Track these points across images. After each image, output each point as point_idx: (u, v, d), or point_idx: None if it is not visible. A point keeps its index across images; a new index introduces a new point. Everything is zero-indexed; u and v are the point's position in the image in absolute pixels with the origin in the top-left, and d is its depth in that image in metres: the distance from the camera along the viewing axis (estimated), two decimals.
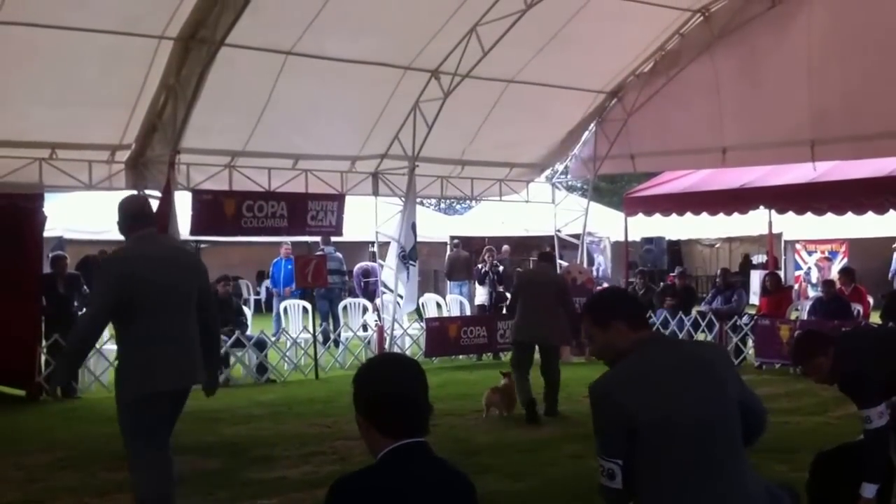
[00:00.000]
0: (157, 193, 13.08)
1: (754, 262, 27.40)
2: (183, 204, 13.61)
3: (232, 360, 13.67)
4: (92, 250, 20.21)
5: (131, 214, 5.92)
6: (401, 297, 15.52)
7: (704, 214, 17.11)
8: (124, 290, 5.56)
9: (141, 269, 5.68)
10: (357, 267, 19.85)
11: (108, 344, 13.04)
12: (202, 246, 27.00)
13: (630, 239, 19.63)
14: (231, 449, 9.02)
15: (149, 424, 5.69)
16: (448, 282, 21.01)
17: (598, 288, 20.71)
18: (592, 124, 17.89)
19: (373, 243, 20.85)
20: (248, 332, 14.34)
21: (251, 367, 13.86)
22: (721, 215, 16.98)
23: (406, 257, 15.25)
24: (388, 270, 15.88)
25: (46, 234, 13.86)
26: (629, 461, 3.50)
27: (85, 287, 12.75)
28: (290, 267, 17.31)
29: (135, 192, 6.76)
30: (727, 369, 3.76)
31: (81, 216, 20.78)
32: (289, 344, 14.85)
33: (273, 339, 14.83)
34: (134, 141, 13.33)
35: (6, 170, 12.15)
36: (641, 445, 3.47)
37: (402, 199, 15.72)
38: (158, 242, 6.12)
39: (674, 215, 17.46)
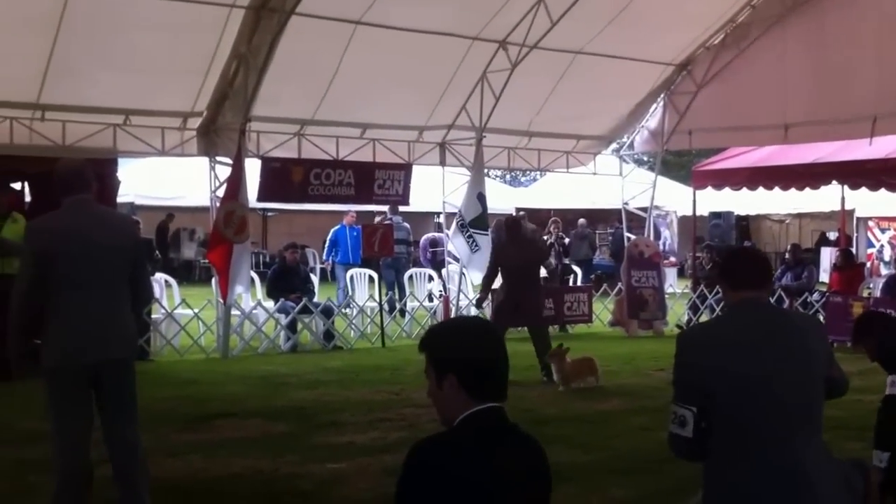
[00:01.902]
0: (228, 160, 13.27)
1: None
2: (252, 171, 13.74)
3: (299, 326, 13.85)
4: (162, 216, 20.60)
5: (65, 179, 5.65)
6: (458, 263, 15.53)
7: (776, 189, 16.83)
8: (43, 261, 5.39)
9: (60, 240, 5.46)
10: (424, 237, 19.91)
11: (179, 308, 13.35)
12: (269, 214, 27.38)
13: (698, 213, 19.38)
14: (299, 413, 9.13)
15: (63, 396, 5.50)
16: None
17: (665, 262, 20.62)
18: (661, 97, 17.64)
19: (439, 213, 20.97)
20: (315, 300, 14.50)
21: (318, 334, 14.02)
22: (792, 190, 16.70)
23: (464, 226, 15.22)
24: (457, 239, 15.86)
25: (119, 199, 14.12)
26: (706, 417, 3.47)
27: (157, 253, 13.00)
28: (354, 234, 17.40)
29: (72, 157, 6.40)
30: (820, 343, 3.73)
31: (150, 183, 21.12)
32: (355, 312, 14.97)
33: (339, 307, 14.97)
34: (205, 108, 13.48)
35: (82, 135, 12.36)
36: (716, 406, 3.46)
37: (469, 169, 15.71)
38: (90, 211, 5.68)
39: (744, 189, 17.19)
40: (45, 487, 6.21)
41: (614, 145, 19.08)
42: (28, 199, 13.35)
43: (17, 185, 12.84)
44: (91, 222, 5.59)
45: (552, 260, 18.52)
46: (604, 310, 17.10)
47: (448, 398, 2.97)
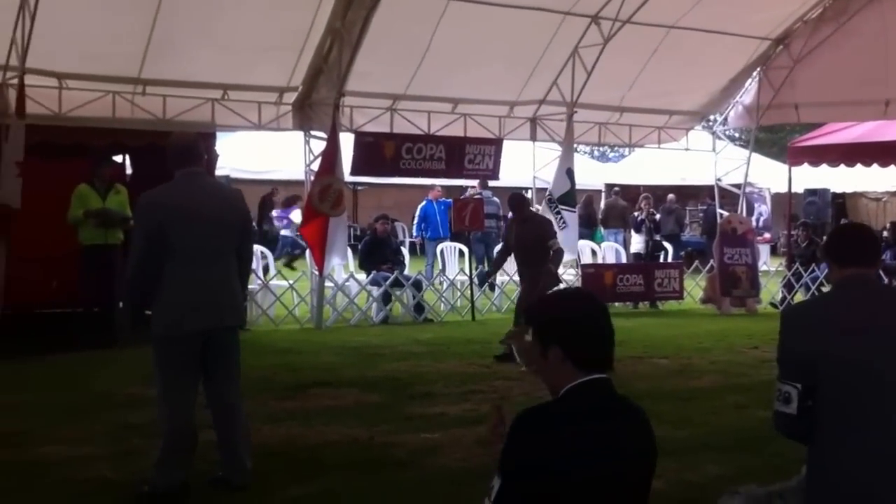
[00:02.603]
0: (322, 135, 13.47)
1: None
2: (345, 146, 13.90)
3: (391, 298, 14.03)
4: (259, 190, 20.93)
5: (179, 151, 5.78)
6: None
7: (874, 166, 16.41)
8: (157, 231, 5.54)
9: (175, 211, 5.61)
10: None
11: (274, 280, 13.63)
12: (358, 188, 27.66)
13: (793, 190, 18.97)
14: (392, 384, 9.27)
15: (174, 363, 5.68)
16: (602, 229, 20.84)
17: (759, 238, 20.26)
18: (756, 72, 17.27)
19: (527, 189, 20.92)
20: (406, 272, 14.66)
21: (409, 307, 14.18)
22: (891, 167, 16.27)
23: (552, 202, 15.17)
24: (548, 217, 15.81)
25: (216, 173, 14.42)
26: (811, 395, 3.42)
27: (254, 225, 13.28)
28: (442, 209, 17.47)
29: (184, 131, 6.48)
30: None
31: (245, 156, 21.48)
32: (445, 285, 15.09)
33: (428, 279, 15.09)
34: (301, 83, 13.68)
35: (181, 109, 12.64)
36: (821, 385, 3.41)
37: (560, 145, 15.64)
38: (201, 183, 5.89)
39: (841, 166, 16.79)
40: (150, 450, 6.45)
41: (708, 121, 18.78)
42: (129, 171, 13.78)
43: (118, 158, 13.26)
44: (203, 194, 5.79)
45: (642, 236, 18.37)
46: (695, 287, 16.92)
47: (553, 369, 2.96)
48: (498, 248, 17.06)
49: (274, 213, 20.90)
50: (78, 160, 11.91)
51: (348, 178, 15.16)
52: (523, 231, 11.10)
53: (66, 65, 11.73)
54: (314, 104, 13.84)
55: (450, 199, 17.11)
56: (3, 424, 7.42)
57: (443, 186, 18.95)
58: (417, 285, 14.24)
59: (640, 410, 3.03)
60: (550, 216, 15.10)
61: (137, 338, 6.02)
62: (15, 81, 10.97)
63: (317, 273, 13.30)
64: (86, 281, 11.46)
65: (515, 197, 11.67)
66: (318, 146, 13.60)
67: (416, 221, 18.45)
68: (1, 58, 11.17)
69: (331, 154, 13.05)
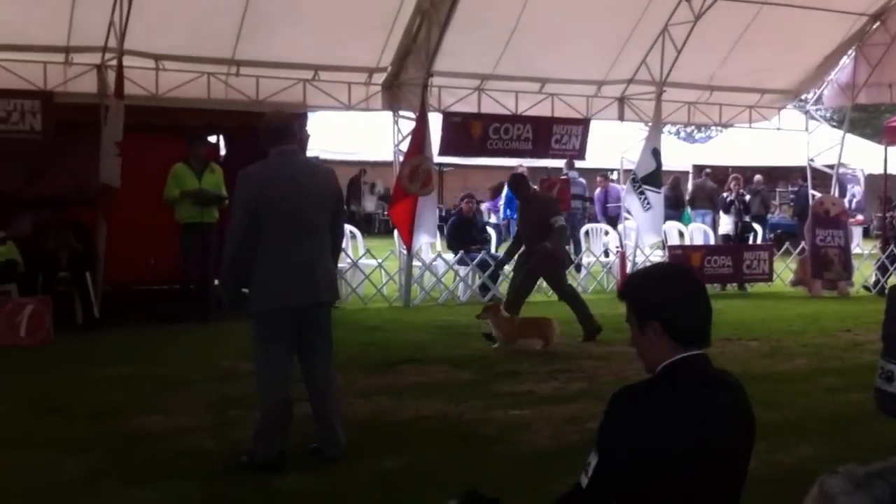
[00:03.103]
0: (411, 115, 13.57)
1: None
2: (433, 126, 13.98)
3: (478, 278, 14.09)
4: (347, 171, 21.19)
5: (275, 130, 5.87)
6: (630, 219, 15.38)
7: None
8: (255, 208, 5.65)
9: (271, 188, 5.71)
10: (598, 192, 19.78)
11: (363, 258, 13.81)
12: (444, 169, 27.80)
13: (889, 172, 18.46)
14: (480, 362, 9.34)
15: (272, 337, 5.79)
16: (690, 210, 20.59)
17: (852, 220, 19.78)
18: (851, 49, 16.82)
19: (612, 170, 20.79)
20: (492, 252, 14.71)
21: (496, 287, 14.21)
22: None
23: (636, 181, 15.04)
24: (630, 196, 15.73)
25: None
26: None
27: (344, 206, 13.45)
28: None
29: (279, 110, 6.53)
30: None
31: (333, 137, 21.76)
32: None
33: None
34: (390, 64, 13.79)
35: (274, 90, 12.85)
36: None
37: (648, 124, 15.49)
38: (296, 161, 6.00)
39: None
40: (247, 421, 6.66)
41: (800, 100, 18.38)
42: (223, 151, 14.08)
43: (213, 139, 13.56)
44: (298, 171, 5.89)
45: (731, 217, 18.08)
46: (785, 269, 16.62)
47: (651, 345, 2.93)
48: (584, 229, 17.08)
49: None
50: (174, 140, 12.23)
51: (435, 158, 15.27)
52: (528, 211, 11.07)
53: (162, 47, 12.03)
54: (403, 84, 13.94)
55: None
56: (106, 396, 7.71)
57: (527, 167, 18.89)
58: (483, 266, 14.19)
59: (740, 386, 3.00)
60: (634, 196, 15.03)
61: (232, 314, 6.16)
62: (114, 63, 11.32)
63: (405, 252, 13.44)
64: (183, 258, 11.78)
65: (514, 178, 11.56)
66: (407, 126, 13.71)
67: (502, 202, 18.42)
68: (100, 40, 11.53)
69: (419, 134, 13.16)
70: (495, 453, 6.16)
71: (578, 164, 17.50)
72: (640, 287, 3.05)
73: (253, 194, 5.69)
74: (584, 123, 15.45)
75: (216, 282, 11.68)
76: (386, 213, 21.55)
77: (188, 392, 7.88)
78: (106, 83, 11.62)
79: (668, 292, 2.96)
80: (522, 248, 11.12)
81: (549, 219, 10.69)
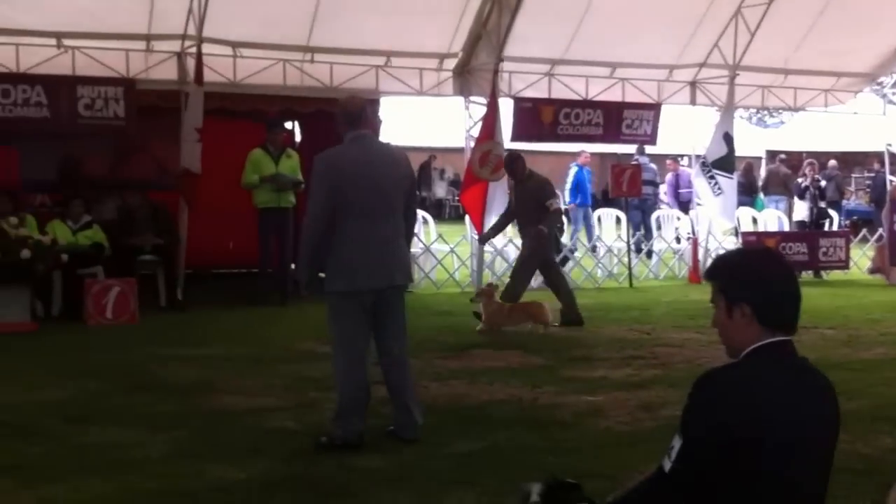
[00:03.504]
0: (482, 100, 13.63)
1: None
2: (503, 111, 14.01)
3: None
4: (417, 157, 21.31)
5: (350, 115, 5.96)
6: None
7: None
8: (333, 191, 5.74)
9: (347, 173, 5.79)
10: (669, 177, 19.63)
11: (435, 243, 13.93)
12: None
13: None
14: (553, 347, 9.38)
15: (349, 319, 5.89)
16: (763, 196, 20.33)
17: None
18: None
19: (683, 156, 20.59)
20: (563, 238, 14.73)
21: (566, 273, 14.23)
22: None
23: (706, 165, 14.88)
24: (699, 181, 15.58)
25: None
26: None
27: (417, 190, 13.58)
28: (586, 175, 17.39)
29: (353, 95, 6.58)
30: None
31: (402, 123, 21.86)
32: (603, 252, 15.09)
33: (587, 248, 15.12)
34: (461, 49, 13.85)
35: (348, 76, 13.00)
36: None
37: (720, 109, 15.33)
38: (372, 146, 6.06)
39: None
40: (325, 402, 6.81)
41: (878, 83, 18.02)
42: (298, 137, 14.30)
43: (288, 124, 13.77)
44: (374, 155, 5.97)
45: (807, 203, 17.81)
46: (862, 256, 16.34)
47: (738, 328, 2.89)
48: (655, 215, 16.97)
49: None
50: (251, 126, 12.46)
51: (506, 144, 15.30)
52: (522, 192, 10.91)
53: (239, 34, 12.25)
54: (473, 70, 14.02)
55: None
56: (190, 375, 7.94)
57: (593, 153, 18.82)
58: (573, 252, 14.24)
59: (824, 374, 2.98)
60: (703, 181, 14.88)
61: (309, 296, 6.29)
62: (193, 51, 11.55)
63: (476, 238, 13.51)
64: (261, 242, 12.01)
65: (510, 157, 11.40)
66: (478, 112, 13.78)
67: (568, 187, 18.37)
68: (180, 28, 11.78)
69: (490, 120, 13.21)
70: (570, 438, 6.21)
71: (649, 149, 17.39)
72: (732, 268, 2.99)
73: (330, 179, 5.79)
74: (655, 108, 15.36)
75: (293, 265, 11.94)
76: (457, 198, 21.63)
77: (268, 373, 8.06)
78: (185, 70, 11.88)
79: (761, 276, 2.92)
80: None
81: (544, 201, 10.60)
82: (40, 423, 6.43)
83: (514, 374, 8.11)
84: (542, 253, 10.88)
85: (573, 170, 18.18)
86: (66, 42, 11.55)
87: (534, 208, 10.61)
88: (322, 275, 6.05)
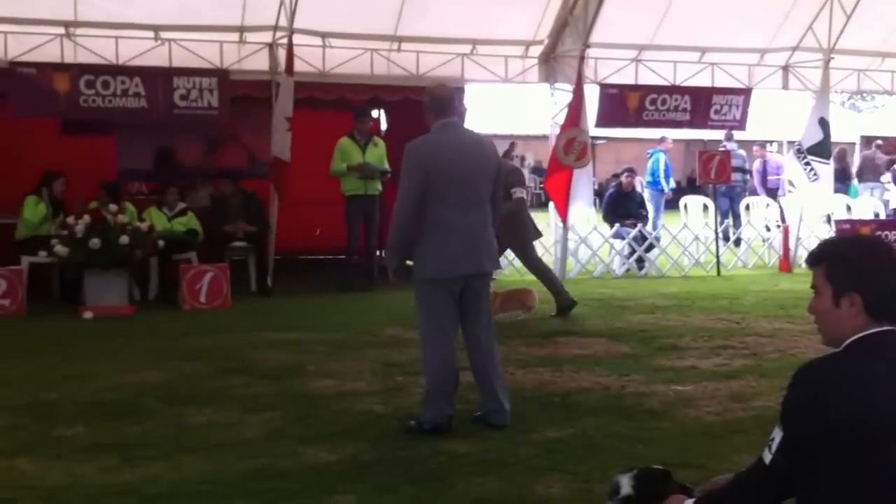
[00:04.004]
0: (567, 87, 13.59)
1: None
2: (588, 98, 13.95)
3: (634, 251, 14.04)
4: (497, 144, 21.28)
5: (439, 103, 5.99)
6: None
7: None
8: (423, 179, 5.78)
9: (438, 160, 5.82)
10: (757, 164, 19.30)
11: (591, 234, 13.97)
12: (597, 142, 27.62)
13: None
14: (639, 336, 9.33)
15: (437, 305, 5.94)
16: (857, 183, 19.85)
17: None
18: None
19: (769, 142, 20.24)
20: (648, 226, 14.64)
21: (653, 261, 14.15)
22: None
23: (801, 152, 14.57)
24: (793, 167, 15.30)
25: None
26: None
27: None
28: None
29: (442, 83, 6.58)
30: None
31: (484, 110, 21.90)
32: (690, 240, 14.94)
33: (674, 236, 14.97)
34: (547, 36, 13.82)
35: (433, 64, 13.08)
36: None
37: (814, 93, 15.01)
38: (461, 134, 6.10)
39: None
40: (412, 387, 6.92)
41: None
42: (384, 125, 14.45)
43: (374, 113, 13.92)
44: (463, 144, 6.02)
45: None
46: None
47: (843, 317, 2.81)
48: (744, 202, 16.71)
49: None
50: (339, 114, 12.63)
51: (592, 131, 15.24)
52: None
53: (329, 24, 12.42)
54: (559, 56, 13.98)
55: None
56: (281, 359, 8.13)
57: (678, 139, 18.58)
58: (639, 240, 14.09)
59: None
60: (798, 167, 14.59)
61: (397, 283, 6.38)
62: (284, 41, 11.75)
63: (560, 225, 13.50)
64: (348, 229, 12.20)
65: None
66: (563, 99, 13.74)
67: (648, 173, 18.18)
68: (271, 19, 12.00)
69: (576, 106, 13.17)
70: (660, 428, 6.18)
71: (737, 135, 17.11)
72: (844, 257, 2.88)
73: (420, 167, 5.85)
74: (745, 93, 15.10)
75: (379, 252, 12.11)
76: (540, 185, 21.58)
77: (356, 357, 8.20)
78: (276, 61, 12.10)
79: (874, 265, 2.83)
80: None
81: (508, 189, 10.17)
82: (140, 403, 6.65)
83: (599, 363, 8.10)
84: (520, 240, 10.63)
85: (662, 156, 18.00)
86: (163, 35, 11.88)
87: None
88: (409, 262, 6.13)
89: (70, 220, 10.44)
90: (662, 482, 3.19)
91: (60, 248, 10.27)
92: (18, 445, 5.65)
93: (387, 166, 12.17)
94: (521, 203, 10.51)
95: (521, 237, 10.63)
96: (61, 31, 11.60)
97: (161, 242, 10.97)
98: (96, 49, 11.66)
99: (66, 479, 5.07)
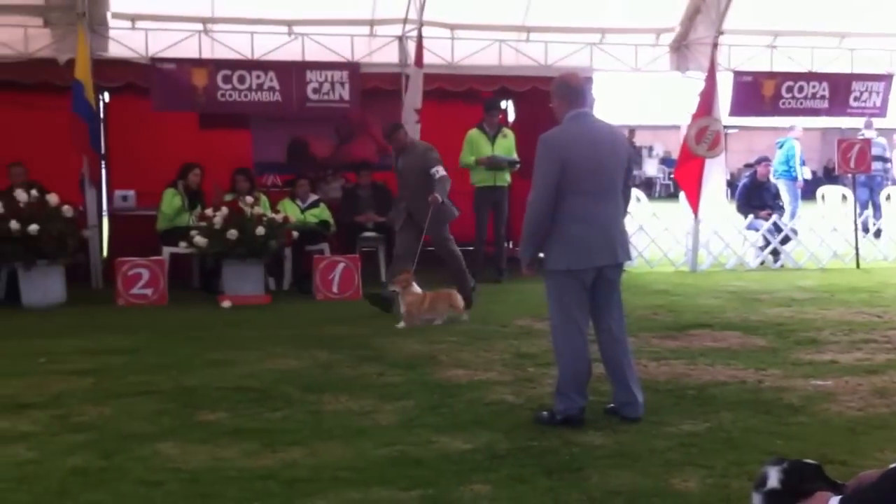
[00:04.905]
0: (699, 75, 13.33)
1: None
2: (721, 86, 13.64)
3: (769, 243, 13.70)
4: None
5: (573, 92, 5.94)
6: None
7: None
8: (558, 172, 5.72)
9: (573, 150, 5.76)
10: None
11: (649, 222, 13.77)
12: (729, 131, 27.02)
13: None
14: (776, 329, 9.10)
15: (571, 297, 5.89)
16: None
17: None
18: None
19: None
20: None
21: (788, 253, 13.78)
22: None
23: None
24: None
25: None
26: None
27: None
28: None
29: (573, 73, 6.45)
30: None
31: (611, 100, 21.68)
32: (827, 231, 14.50)
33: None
34: (678, 24, 13.58)
35: (562, 54, 13.01)
36: None
37: None
38: (593, 124, 6.01)
39: None
40: (543, 378, 6.91)
41: None
42: (511, 116, 14.46)
43: (503, 104, 13.95)
44: (597, 134, 5.97)
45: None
46: None
47: None
48: (885, 192, 16.07)
49: None
50: (467, 106, 12.70)
51: (725, 120, 14.90)
52: (405, 163, 10.06)
53: (457, 16, 12.50)
54: (691, 44, 13.74)
55: None
56: (412, 349, 8.23)
57: (814, 128, 17.97)
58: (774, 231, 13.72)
59: None
60: None
61: (530, 275, 6.35)
62: (414, 34, 11.88)
63: (692, 216, 13.26)
64: (477, 220, 12.26)
65: (387, 127, 10.31)
66: (695, 87, 13.48)
67: (780, 161, 17.63)
68: (401, 12, 12.15)
69: (709, 94, 12.93)
70: (799, 422, 6.01)
71: (876, 122, 16.49)
72: None
73: (555, 158, 5.82)
74: (886, 79, 14.54)
75: (508, 243, 12.12)
76: (670, 176, 21.24)
77: (486, 348, 8.23)
78: (406, 53, 12.24)
79: None
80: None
81: (428, 170, 9.80)
82: (278, 389, 6.81)
83: (735, 356, 7.93)
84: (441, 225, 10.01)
85: (789, 144, 17.47)
86: (297, 29, 12.16)
87: (417, 180, 9.86)
88: (540, 254, 6.12)
89: (208, 211, 10.79)
90: (813, 477, 3.11)
91: (199, 239, 10.61)
92: (163, 430, 5.85)
93: (516, 157, 12.18)
94: (446, 182, 9.84)
95: (444, 220, 10.03)
96: (199, 27, 12.00)
97: (295, 233, 11.23)
98: (232, 44, 12.01)
99: (210, 462, 5.23)
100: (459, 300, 9.51)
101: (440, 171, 9.82)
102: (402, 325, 9.27)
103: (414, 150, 10.09)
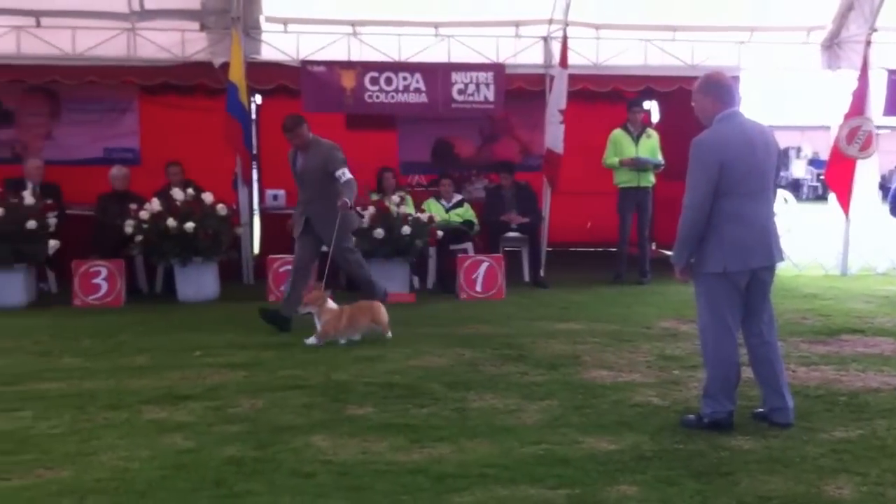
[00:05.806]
0: (851, 74, 12.93)
1: None
2: (874, 84, 13.19)
3: None
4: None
5: (725, 92, 5.86)
6: None
7: None
8: (715, 175, 5.65)
9: (729, 151, 5.69)
10: None
11: (797, 225, 13.42)
12: (880, 132, 26.02)
13: None
14: None
15: (723, 299, 5.80)
16: None
17: None
18: None
19: None
20: None
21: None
22: None
23: None
24: None
25: None
26: None
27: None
28: None
29: (721, 71, 6.29)
30: None
31: (758, 99, 21.12)
32: None
33: None
34: (830, 21, 13.21)
35: (708, 54, 12.77)
36: None
37: None
38: (745, 124, 5.90)
39: None
40: (689, 381, 6.92)
41: None
42: (654, 117, 14.32)
43: (647, 104, 13.83)
44: (750, 134, 5.90)
45: None
46: None
47: None
48: None
49: None
50: (611, 106, 12.66)
51: (879, 119, 14.39)
52: (305, 162, 9.14)
53: (603, 16, 12.47)
54: (843, 42, 13.32)
55: None
56: (556, 349, 8.28)
57: None
58: None
59: None
60: None
61: (684, 280, 6.28)
62: (559, 34, 11.92)
63: (843, 218, 12.88)
64: (620, 221, 12.22)
65: (289, 120, 9.13)
66: (846, 86, 13.07)
67: None
68: (546, 13, 12.20)
69: (861, 94, 12.53)
70: None
71: None
72: None
73: (712, 162, 5.77)
74: None
75: (652, 244, 12.03)
76: (821, 177, 20.63)
77: (630, 350, 8.22)
78: (551, 53, 12.29)
79: None
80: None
81: (331, 171, 8.92)
82: (425, 386, 6.96)
83: (887, 362, 7.71)
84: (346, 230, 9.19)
85: None
86: (443, 31, 12.36)
87: (319, 180, 9.04)
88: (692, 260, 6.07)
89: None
90: None
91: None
92: (314, 423, 6.04)
93: (660, 158, 12.09)
94: (352, 185, 8.89)
95: (347, 228, 9.20)
96: (349, 30, 12.32)
97: (440, 233, 11.42)
98: (380, 46, 12.29)
99: (359, 455, 5.39)
100: (383, 314, 8.69)
101: (346, 173, 8.89)
102: (311, 340, 8.50)
103: (317, 149, 9.14)
